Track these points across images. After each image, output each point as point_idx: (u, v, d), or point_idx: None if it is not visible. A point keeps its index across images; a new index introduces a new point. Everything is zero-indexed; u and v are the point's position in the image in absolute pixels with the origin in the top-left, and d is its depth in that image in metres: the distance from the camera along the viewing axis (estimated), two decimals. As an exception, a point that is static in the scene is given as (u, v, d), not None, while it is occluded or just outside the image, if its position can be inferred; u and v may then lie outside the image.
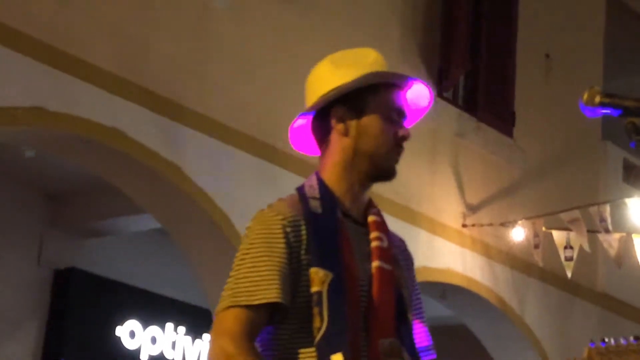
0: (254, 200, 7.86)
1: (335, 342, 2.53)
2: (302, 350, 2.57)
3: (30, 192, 9.43)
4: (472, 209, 10.05)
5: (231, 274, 2.60)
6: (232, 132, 7.99)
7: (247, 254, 2.60)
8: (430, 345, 2.86)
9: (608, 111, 2.78)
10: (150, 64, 7.61)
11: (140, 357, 9.99)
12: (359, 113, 2.77)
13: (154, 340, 10.11)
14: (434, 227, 9.61)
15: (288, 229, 2.60)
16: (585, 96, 2.77)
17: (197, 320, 10.24)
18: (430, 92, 2.90)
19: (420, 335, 2.84)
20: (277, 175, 8.01)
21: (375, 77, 2.79)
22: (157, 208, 8.18)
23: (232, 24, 8.24)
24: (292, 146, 2.96)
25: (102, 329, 9.73)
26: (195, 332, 10.41)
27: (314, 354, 2.54)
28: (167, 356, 10.20)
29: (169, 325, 10.25)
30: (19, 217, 9.39)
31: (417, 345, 2.78)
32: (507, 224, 9.98)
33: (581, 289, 10.88)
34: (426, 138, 9.66)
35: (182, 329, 10.34)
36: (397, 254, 2.84)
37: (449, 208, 9.85)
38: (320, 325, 2.53)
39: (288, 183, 8.09)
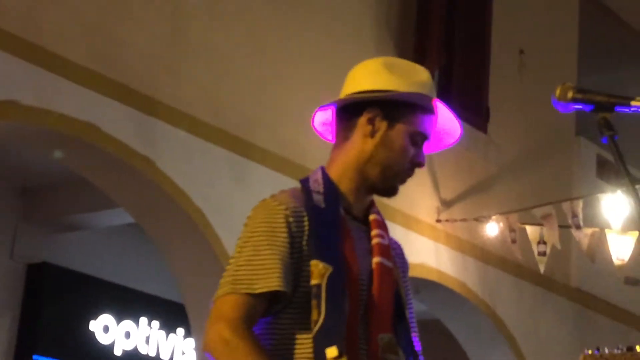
0: (229, 195, 7.89)
1: (331, 335, 2.53)
2: (298, 342, 2.57)
3: (3, 186, 9.41)
4: (446, 204, 10.10)
5: (231, 261, 2.60)
6: (206, 127, 7.99)
7: (248, 241, 2.59)
8: (419, 351, 2.84)
9: (580, 107, 2.80)
10: (124, 58, 7.60)
11: (114, 352, 9.96)
12: (390, 122, 2.75)
13: (127, 334, 10.09)
14: (409, 222, 9.65)
15: (290, 219, 2.60)
16: (558, 92, 2.80)
17: (171, 315, 10.26)
18: (461, 129, 2.90)
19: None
20: (251, 171, 8.02)
21: (426, 100, 2.78)
22: (131, 203, 8.17)
23: (207, 19, 8.25)
24: (312, 122, 2.91)
25: (75, 323, 9.71)
26: (169, 326, 10.40)
27: (310, 346, 2.54)
28: (141, 351, 10.18)
29: (143, 320, 10.23)
30: (-8, 211, 9.38)
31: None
32: (481, 219, 10.02)
33: (555, 284, 10.94)
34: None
35: (156, 324, 10.32)
36: (394, 257, 2.84)
37: (423, 203, 9.88)
38: (318, 318, 2.54)
39: (263, 178, 8.20)
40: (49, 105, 7.16)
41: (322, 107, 2.84)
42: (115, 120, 7.51)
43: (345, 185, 2.76)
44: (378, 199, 2.74)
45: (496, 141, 10.78)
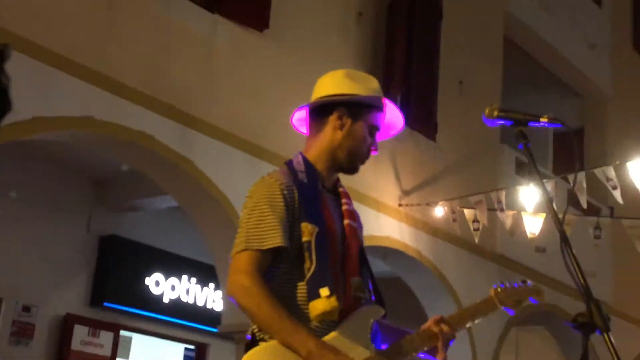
0: (245, 185, 7.83)
1: (321, 278, 2.54)
2: (295, 285, 2.57)
3: (81, 178, 9.42)
4: (405, 193, 10.08)
5: (241, 225, 2.58)
6: (230, 136, 7.98)
7: (254, 209, 2.58)
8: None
9: (503, 122, 2.82)
10: (170, 85, 7.59)
11: (163, 300, 9.98)
12: (354, 119, 2.76)
13: (173, 287, 10.10)
14: (378, 206, 9.63)
15: (285, 192, 2.60)
16: (487, 111, 2.81)
17: (204, 273, 10.26)
18: (403, 123, 2.93)
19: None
20: (263, 168, 7.98)
21: (378, 101, 2.80)
22: (175, 191, 8.17)
23: (233, 57, 8.25)
24: (290, 119, 2.92)
25: (134, 279, 9.74)
26: (203, 282, 10.41)
27: (304, 288, 2.54)
28: (182, 300, 10.20)
29: (184, 277, 10.24)
30: (74, 198, 9.37)
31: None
32: (431, 204, 10.01)
33: (485, 251, 10.92)
34: (373, 141, 9.72)
35: (193, 280, 10.32)
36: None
37: (388, 192, 9.87)
38: (310, 266, 2.54)
39: (271, 173, 8.20)
40: (115, 120, 7.15)
41: (300, 108, 2.84)
42: (164, 131, 7.50)
43: (320, 165, 2.76)
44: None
45: (442, 147, 10.75)
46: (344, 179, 2.94)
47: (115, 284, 9.55)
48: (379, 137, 2.86)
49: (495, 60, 12.04)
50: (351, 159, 2.80)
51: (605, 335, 2.47)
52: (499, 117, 2.79)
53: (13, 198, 8.60)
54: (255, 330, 2.55)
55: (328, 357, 2.42)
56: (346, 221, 2.74)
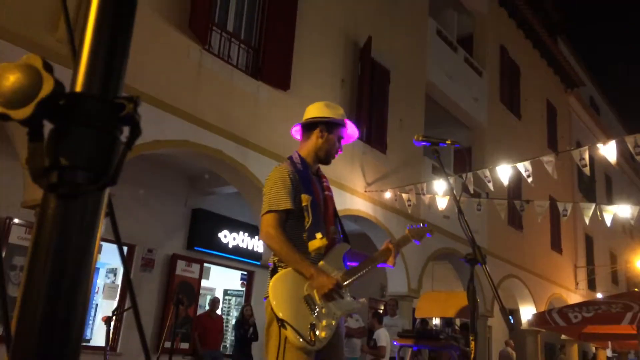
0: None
1: (316, 228, 2.50)
2: (299, 234, 2.51)
3: (182, 176, 9.42)
4: (368, 184, 10.10)
5: (265, 196, 2.52)
6: (267, 152, 8.00)
7: (273, 187, 2.52)
8: (342, 236, 2.73)
9: (425, 143, 2.84)
10: (233, 122, 7.61)
11: (229, 246, 9.93)
12: (329, 131, 2.70)
13: (234, 238, 10.05)
14: (352, 191, 9.62)
15: (291, 175, 2.55)
16: (416, 137, 2.83)
17: (251, 230, 10.22)
18: (359, 133, 2.85)
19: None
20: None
21: (343, 122, 2.74)
22: (236, 183, 8.15)
23: (269, 106, 8.25)
24: (291, 131, 2.83)
25: (213, 233, 9.71)
26: (251, 235, 10.35)
27: (305, 235, 2.50)
28: (240, 245, 10.12)
29: (241, 232, 10.17)
30: (178, 187, 9.34)
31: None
32: (383, 190, 10.05)
33: (414, 218, 10.87)
34: (350, 154, 9.72)
35: (246, 233, 10.26)
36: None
37: (358, 183, 9.85)
38: (308, 220, 2.50)
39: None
40: (200, 142, 7.17)
41: (296, 125, 2.78)
42: (229, 149, 7.52)
43: (309, 159, 2.69)
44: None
45: (389, 157, 10.75)
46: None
47: (201, 236, 9.51)
48: (344, 142, 2.80)
49: (420, 107, 12.00)
50: (327, 156, 2.70)
51: (484, 266, 2.51)
52: (423, 140, 2.82)
53: (142, 193, 8.61)
54: (276, 260, 2.46)
55: (322, 277, 2.40)
56: (326, 193, 2.69)
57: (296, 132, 2.81)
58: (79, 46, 0.65)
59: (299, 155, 2.69)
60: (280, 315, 2.30)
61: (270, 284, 2.40)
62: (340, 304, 2.46)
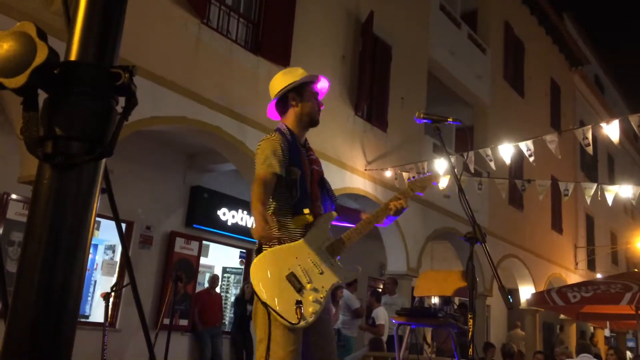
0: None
1: (303, 203, 2.50)
2: (287, 208, 2.50)
3: (180, 152, 9.39)
4: (369, 162, 10.09)
5: (257, 162, 2.51)
6: (266, 128, 7.97)
7: (263, 153, 2.51)
8: (333, 208, 2.70)
9: (426, 121, 2.83)
10: (232, 97, 7.56)
11: (228, 223, 9.94)
12: (301, 95, 2.68)
13: (233, 216, 10.05)
14: (352, 170, 9.61)
15: (282, 145, 2.53)
16: (417, 114, 2.82)
17: (249, 207, 10.21)
18: (328, 83, 2.80)
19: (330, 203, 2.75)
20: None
21: (308, 78, 2.71)
22: (234, 160, 8.12)
23: (268, 81, 8.18)
24: (267, 114, 2.79)
25: (212, 211, 9.70)
26: (250, 212, 10.36)
27: (292, 208, 2.49)
28: (238, 223, 10.12)
29: (239, 210, 10.16)
30: (176, 164, 9.30)
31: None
32: (384, 169, 10.04)
33: (414, 196, 10.91)
34: (351, 133, 9.68)
35: (245, 212, 10.25)
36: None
37: (358, 161, 9.83)
38: (296, 194, 2.50)
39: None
40: (199, 118, 7.13)
41: (269, 107, 2.75)
42: (228, 125, 7.49)
43: (295, 130, 2.67)
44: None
45: (390, 136, 10.72)
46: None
47: (200, 214, 9.51)
48: (320, 97, 2.75)
49: (422, 85, 11.91)
50: (311, 117, 2.68)
51: (483, 245, 2.52)
52: (424, 118, 2.81)
53: (138, 167, 8.59)
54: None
55: (259, 226, 2.26)
56: (314, 166, 2.66)
57: (272, 113, 2.78)
58: (73, 15, 0.64)
59: (287, 127, 2.65)
60: (263, 297, 2.29)
61: (252, 265, 2.38)
62: (334, 270, 2.46)
